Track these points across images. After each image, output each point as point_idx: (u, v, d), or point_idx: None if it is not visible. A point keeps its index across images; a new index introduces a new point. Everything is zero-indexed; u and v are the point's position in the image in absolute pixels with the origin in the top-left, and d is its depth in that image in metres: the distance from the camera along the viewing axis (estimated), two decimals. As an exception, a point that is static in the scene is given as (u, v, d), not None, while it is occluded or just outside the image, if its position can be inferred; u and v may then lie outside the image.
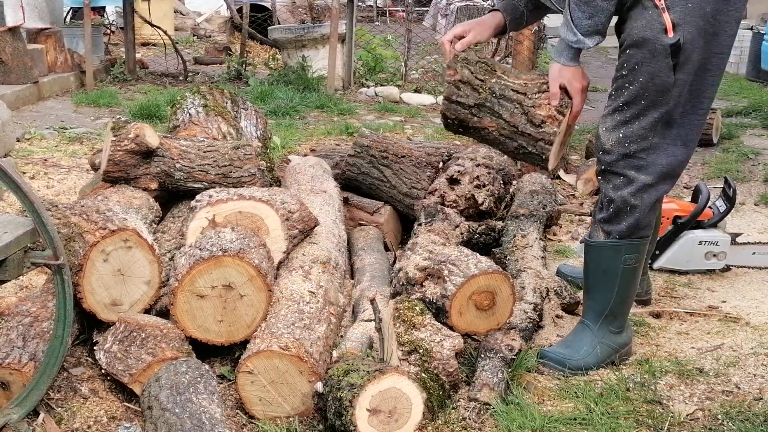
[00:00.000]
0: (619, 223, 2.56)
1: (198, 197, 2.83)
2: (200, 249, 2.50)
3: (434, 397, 2.29)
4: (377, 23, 14.58)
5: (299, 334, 2.41)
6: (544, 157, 2.61)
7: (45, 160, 4.87)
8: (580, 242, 3.55)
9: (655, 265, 3.41)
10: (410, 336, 2.37)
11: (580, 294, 3.12)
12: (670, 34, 2.38)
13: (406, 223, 3.85)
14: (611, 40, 2.61)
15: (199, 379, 2.24)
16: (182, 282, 2.43)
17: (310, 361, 2.33)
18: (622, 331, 2.69)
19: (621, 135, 2.50)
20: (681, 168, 2.58)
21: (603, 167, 2.57)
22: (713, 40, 2.43)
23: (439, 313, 2.53)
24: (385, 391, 2.13)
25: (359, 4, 13.24)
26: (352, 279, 3.15)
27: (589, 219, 4.11)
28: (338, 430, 2.18)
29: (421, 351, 2.33)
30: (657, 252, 3.40)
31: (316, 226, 2.97)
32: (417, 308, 2.46)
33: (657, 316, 3.03)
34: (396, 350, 2.34)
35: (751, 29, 9.36)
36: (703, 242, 3.36)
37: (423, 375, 2.29)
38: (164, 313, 2.57)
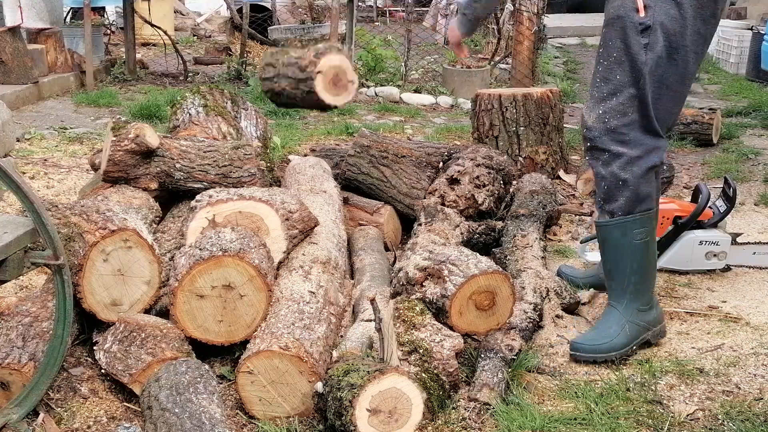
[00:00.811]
0: (616, 200, 2.60)
1: (198, 197, 2.83)
2: (200, 249, 2.50)
3: (434, 397, 2.29)
4: (377, 23, 14.58)
5: (299, 334, 2.41)
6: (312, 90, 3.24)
7: (45, 160, 4.87)
8: (581, 242, 3.55)
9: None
10: (410, 336, 2.36)
11: (581, 294, 3.12)
12: (641, 14, 2.49)
13: (406, 223, 3.85)
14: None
15: (199, 379, 2.23)
16: (182, 282, 2.43)
17: (310, 361, 2.33)
18: (651, 308, 2.72)
19: (601, 111, 2.57)
20: (665, 145, 2.65)
21: (588, 144, 2.63)
22: (682, 31, 2.51)
23: (439, 313, 2.53)
24: (385, 391, 2.13)
25: (359, 4, 13.24)
26: (352, 279, 3.15)
27: (589, 219, 4.11)
28: (338, 430, 2.18)
29: (421, 351, 2.33)
30: (657, 252, 3.40)
31: (316, 226, 2.97)
32: (417, 308, 2.46)
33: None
34: (396, 350, 2.34)
35: (751, 29, 9.35)
36: (704, 242, 3.36)
37: (423, 375, 2.29)
38: (164, 313, 2.57)
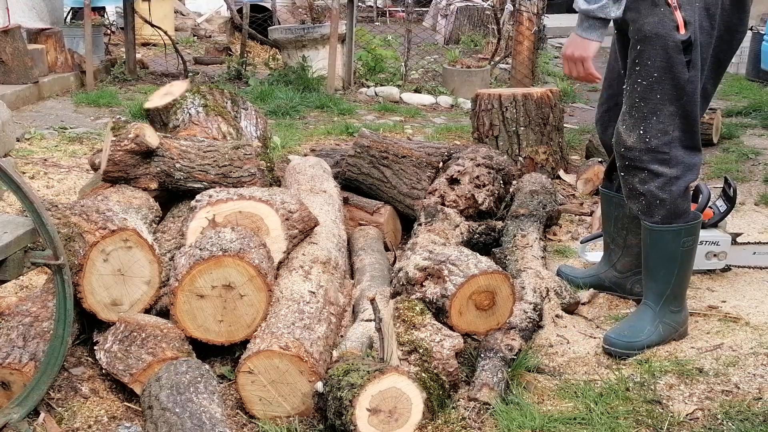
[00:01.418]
0: (653, 216, 2.63)
1: (198, 197, 2.83)
2: (200, 249, 2.50)
3: (434, 397, 2.29)
4: (377, 23, 14.58)
5: (299, 334, 2.41)
6: None
7: (45, 160, 4.87)
8: (581, 242, 3.55)
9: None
10: (410, 336, 2.37)
11: (581, 294, 3.13)
12: (682, 32, 2.46)
13: (406, 223, 3.85)
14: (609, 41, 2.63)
15: (199, 378, 2.24)
16: (182, 282, 2.43)
17: (310, 361, 2.33)
18: (681, 309, 2.79)
19: (642, 131, 2.56)
20: (701, 160, 2.68)
21: (627, 163, 2.62)
22: (715, 41, 2.54)
23: (439, 313, 2.53)
24: (385, 391, 2.13)
25: (359, 4, 13.24)
26: (352, 279, 3.15)
27: (589, 219, 4.11)
28: (338, 430, 2.18)
29: (421, 351, 2.33)
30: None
31: (316, 226, 2.97)
32: (417, 308, 2.46)
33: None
34: (396, 350, 2.34)
35: (751, 29, 9.35)
36: (704, 242, 3.36)
37: (423, 375, 2.29)
38: (164, 313, 2.57)
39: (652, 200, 2.61)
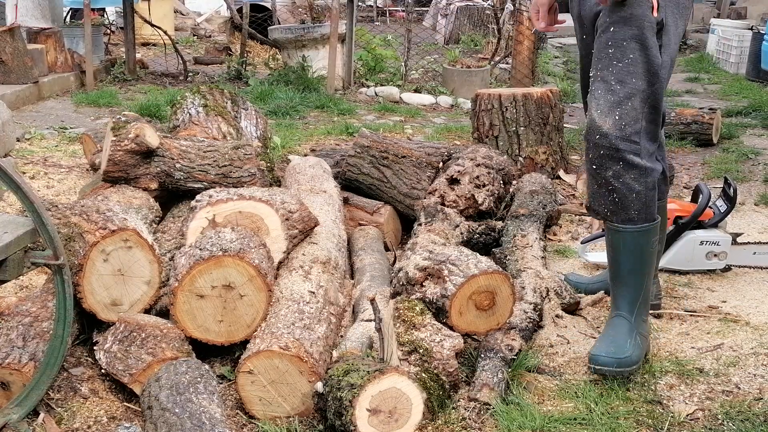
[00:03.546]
0: (627, 212, 2.44)
1: (198, 197, 2.83)
2: (200, 249, 2.50)
3: (434, 397, 2.29)
4: (377, 23, 14.58)
5: (299, 334, 2.41)
6: None
7: (45, 160, 4.86)
8: (582, 242, 3.54)
9: (656, 265, 3.41)
10: (410, 336, 2.36)
11: (581, 294, 3.12)
12: (655, 14, 2.36)
13: (406, 223, 3.85)
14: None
15: (199, 379, 2.23)
16: (182, 282, 2.43)
17: (310, 361, 2.33)
18: (647, 318, 2.65)
19: (617, 116, 2.37)
20: (662, 152, 2.57)
21: (601, 152, 2.41)
22: (678, 30, 2.47)
23: (439, 313, 2.53)
24: (385, 391, 2.13)
25: (359, 4, 13.24)
26: (352, 279, 3.15)
27: (588, 219, 4.10)
28: (338, 430, 2.18)
29: (421, 351, 2.33)
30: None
31: (316, 226, 2.97)
32: (417, 308, 2.46)
33: (657, 316, 3.03)
34: (396, 350, 2.34)
35: (751, 29, 9.36)
36: (704, 242, 3.36)
37: (423, 375, 2.29)
38: (164, 313, 2.57)
39: (627, 194, 2.41)
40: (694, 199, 3.45)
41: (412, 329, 2.39)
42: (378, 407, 2.12)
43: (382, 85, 7.85)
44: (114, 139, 3.12)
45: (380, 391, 2.13)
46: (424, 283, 2.61)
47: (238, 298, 2.47)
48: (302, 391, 2.33)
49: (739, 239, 3.49)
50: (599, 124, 2.39)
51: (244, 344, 2.48)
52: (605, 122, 2.38)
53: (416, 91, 7.73)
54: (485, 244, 3.52)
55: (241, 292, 2.47)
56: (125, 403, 2.37)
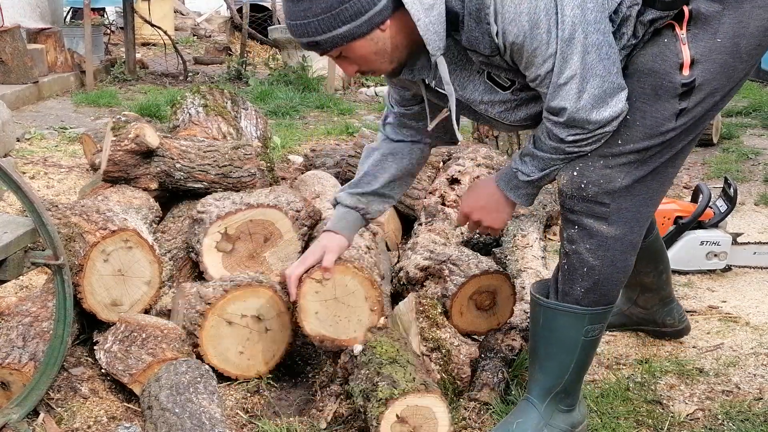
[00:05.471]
0: (572, 286, 2.01)
1: (201, 208, 2.79)
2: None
3: (448, 401, 2.26)
4: (377, 23, 14.56)
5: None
6: None
7: (45, 160, 4.87)
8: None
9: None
10: (434, 334, 2.38)
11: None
12: (686, 72, 1.85)
13: (406, 223, 3.85)
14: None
15: (199, 379, 2.23)
16: (215, 305, 2.40)
17: (379, 290, 2.29)
18: (574, 408, 2.15)
19: (575, 172, 1.96)
20: (652, 214, 2.05)
21: (562, 211, 2.07)
22: (736, 81, 1.92)
23: (440, 313, 2.53)
24: (421, 408, 2.04)
25: (359, 4, 13.22)
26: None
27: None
28: (356, 408, 2.13)
29: (443, 351, 2.35)
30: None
31: (320, 218, 2.97)
32: (438, 308, 2.47)
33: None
34: (419, 343, 2.34)
35: (751, 29, 9.34)
36: (705, 242, 3.36)
37: (443, 376, 2.28)
38: (164, 313, 2.57)
39: (577, 265, 2.00)
40: (694, 200, 3.45)
41: (434, 327, 2.40)
42: (407, 418, 2.04)
43: (382, 85, 7.85)
44: (114, 139, 3.12)
45: (417, 405, 2.03)
46: (424, 283, 2.62)
47: (263, 332, 2.46)
48: (359, 318, 2.29)
49: (739, 239, 3.49)
50: (559, 176, 2.07)
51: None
52: (561, 177, 2.06)
53: (416, 91, 7.72)
54: (485, 244, 3.52)
55: (267, 326, 2.46)
56: (125, 403, 2.37)
